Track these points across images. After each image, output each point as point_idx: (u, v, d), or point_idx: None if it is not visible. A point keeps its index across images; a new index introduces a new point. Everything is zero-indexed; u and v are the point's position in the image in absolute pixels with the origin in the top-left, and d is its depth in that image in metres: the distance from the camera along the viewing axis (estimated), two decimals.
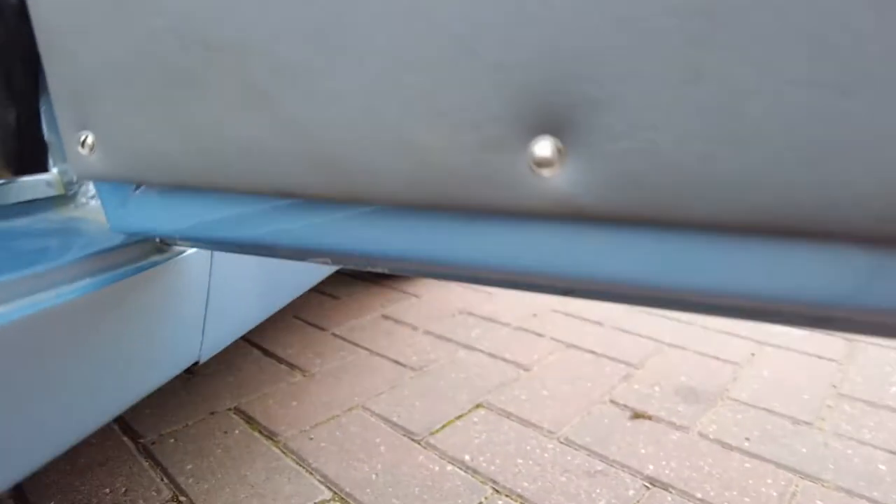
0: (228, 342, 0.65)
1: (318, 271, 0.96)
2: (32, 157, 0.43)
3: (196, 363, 0.57)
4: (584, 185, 0.22)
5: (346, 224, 0.28)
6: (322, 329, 1.26)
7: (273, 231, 0.30)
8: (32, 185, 0.40)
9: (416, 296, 1.48)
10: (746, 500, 0.73)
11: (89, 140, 0.33)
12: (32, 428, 0.36)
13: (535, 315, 1.34)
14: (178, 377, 1.05)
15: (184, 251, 0.48)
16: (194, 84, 0.27)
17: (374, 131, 0.24)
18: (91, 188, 0.45)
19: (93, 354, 0.39)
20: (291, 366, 1.09)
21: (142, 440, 0.85)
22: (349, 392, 0.99)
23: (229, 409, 0.94)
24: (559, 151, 0.21)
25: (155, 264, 0.44)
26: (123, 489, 0.75)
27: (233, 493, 0.74)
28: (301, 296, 1.53)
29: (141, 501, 0.72)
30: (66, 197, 0.43)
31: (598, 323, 1.30)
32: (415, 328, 1.27)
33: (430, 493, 0.74)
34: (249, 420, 0.91)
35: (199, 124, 0.28)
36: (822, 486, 0.75)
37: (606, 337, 1.22)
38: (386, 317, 1.34)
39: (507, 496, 0.74)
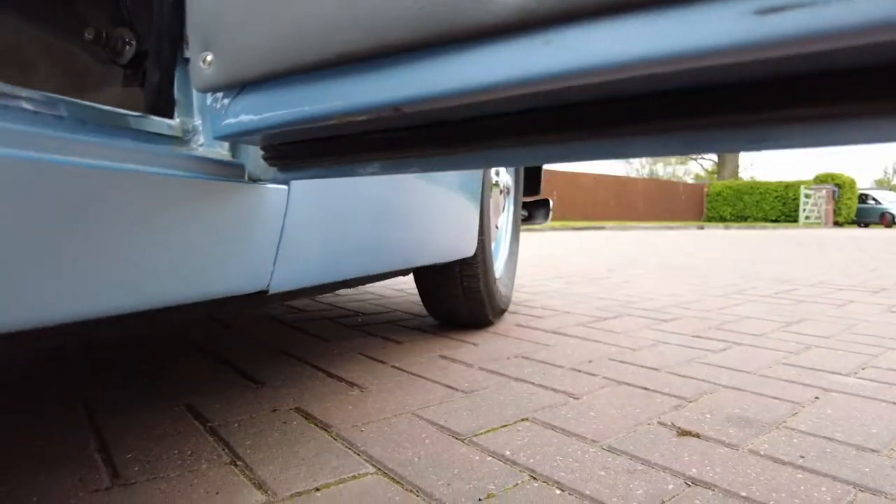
0: (303, 284, 0.74)
1: (405, 252, 1.05)
2: (165, 109, 0.57)
3: (265, 292, 0.66)
4: None
5: (385, 78, 0.38)
6: (382, 362, 1.33)
7: (342, 96, 0.40)
8: (159, 123, 0.54)
9: (474, 343, 1.53)
10: (796, 501, 0.70)
11: (209, 58, 0.46)
12: (90, 270, 0.45)
13: (590, 361, 1.35)
14: (245, 387, 1.14)
15: (266, 184, 0.59)
16: None
17: None
18: (201, 138, 0.58)
19: (159, 230, 0.49)
20: (351, 384, 1.16)
21: (209, 423, 0.94)
22: (401, 403, 1.04)
23: (290, 409, 1.01)
24: None
25: (234, 180, 0.55)
26: (190, 452, 0.82)
27: (284, 462, 0.80)
28: (366, 333, 1.61)
29: (203, 462, 0.79)
30: (182, 140, 0.56)
31: (654, 368, 1.29)
32: (469, 365, 1.31)
33: (468, 474, 0.76)
34: (307, 416, 0.97)
35: (284, 14, 0.40)
36: (885, 497, 0.71)
37: (661, 378, 1.21)
38: (443, 356, 1.39)
39: (543, 482, 0.74)
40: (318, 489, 0.72)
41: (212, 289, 0.56)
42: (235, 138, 0.50)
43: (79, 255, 0.44)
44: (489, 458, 0.81)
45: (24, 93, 0.43)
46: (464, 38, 0.34)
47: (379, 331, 1.68)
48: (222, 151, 0.57)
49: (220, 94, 0.48)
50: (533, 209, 2.48)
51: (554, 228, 11.70)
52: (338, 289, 1.06)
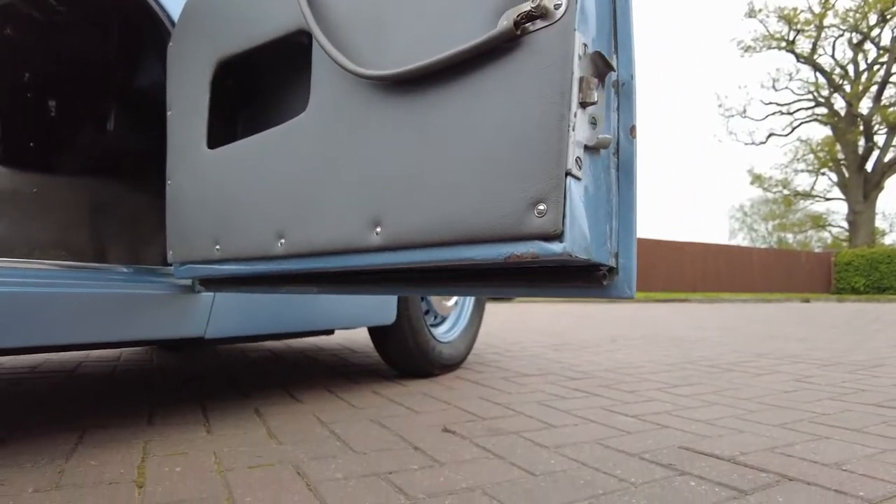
0: (226, 335, 1.60)
1: (313, 319, 1.89)
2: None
3: (202, 337, 1.52)
4: None
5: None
6: (334, 388, 2.14)
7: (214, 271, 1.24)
8: (167, 271, 1.43)
9: (403, 384, 2.29)
10: None
11: (171, 253, 1.33)
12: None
13: (452, 391, 2.06)
14: (291, 402, 2.00)
15: (203, 293, 1.46)
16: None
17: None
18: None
19: (156, 310, 1.37)
20: (340, 398, 1.98)
21: (267, 421, 1.80)
22: (338, 406, 1.84)
23: (309, 413, 1.85)
24: None
25: (188, 292, 1.43)
26: (248, 427, 1.68)
27: (301, 435, 1.63)
28: (340, 374, 2.42)
29: (257, 431, 1.65)
30: (174, 276, 1.46)
31: (505, 405, 1.97)
32: (393, 394, 2.08)
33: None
34: (319, 420, 1.80)
35: (195, 237, 1.27)
36: None
37: (514, 413, 1.90)
38: (375, 392, 2.17)
39: None
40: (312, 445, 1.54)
41: (178, 331, 1.42)
42: (181, 278, 1.38)
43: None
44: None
45: (121, 267, 1.34)
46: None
47: (351, 371, 2.50)
48: (187, 281, 1.46)
49: (176, 265, 1.36)
50: None
51: (638, 301, 11.83)
52: (260, 340, 1.89)
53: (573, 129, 0.57)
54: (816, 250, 32.27)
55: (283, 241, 0.95)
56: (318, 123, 0.89)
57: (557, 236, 0.57)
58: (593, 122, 0.60)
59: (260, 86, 1.34)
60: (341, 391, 2.13)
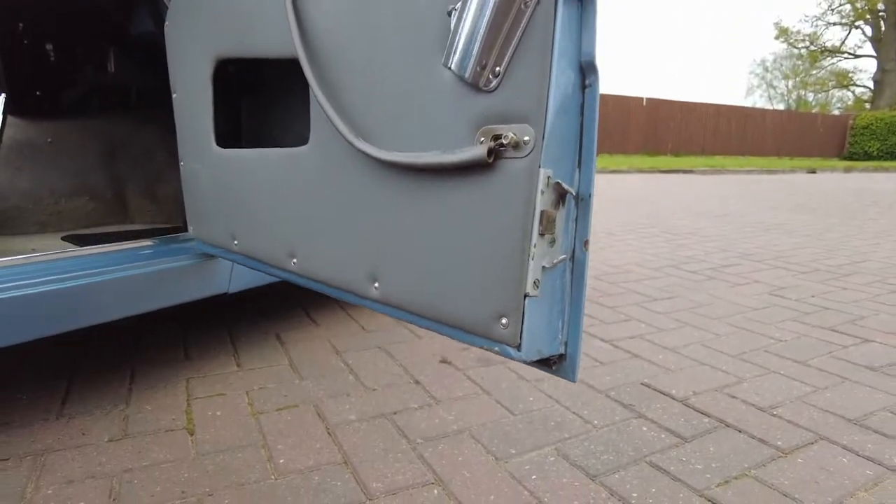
0: (244, 287, 1.80)
1: None
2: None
3: (227, 292, 1.71)
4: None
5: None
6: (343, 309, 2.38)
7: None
8: (188, 234, 1.57)
9: None
10: None
11: (192, 228, 1.46)
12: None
13: None
14: (308, 324, 2.24)
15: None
16: None
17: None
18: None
19: (185, 276, 1.55)
20: (349, 316, 2.22)
21: (284, 342, 2.04)
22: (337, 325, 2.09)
23: (324, 339, 2.09)
24: None
25: (209, 258, 1.60)
26: (269, 352, 1.93)
27: (309, 354, 1.87)
28: None
29: (278, 353, 1.89)
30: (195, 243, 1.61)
31: None
32: None
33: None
34: (332, 346, 2.05)
35: (215, 221, 1.40)
36: None
37: None
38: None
39: None
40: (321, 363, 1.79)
41: (205, 291, 1.61)
42: (203, 251, 1.53)
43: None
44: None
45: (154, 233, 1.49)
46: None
47: None
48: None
49: (198, 241, 1.50)
50: None
51: (641, 170, 11.84)
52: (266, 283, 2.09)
53: (532, 259, 0.68)
54: (835, 112, 31.18)
55: (295, 260, 1.09)
56: (318, 161, 0.98)
57: (517, 346, 0.71)
58: (552, 242, 0.71)
59: (263, 80, 1.38)
60: (352, 309, 2.36)
